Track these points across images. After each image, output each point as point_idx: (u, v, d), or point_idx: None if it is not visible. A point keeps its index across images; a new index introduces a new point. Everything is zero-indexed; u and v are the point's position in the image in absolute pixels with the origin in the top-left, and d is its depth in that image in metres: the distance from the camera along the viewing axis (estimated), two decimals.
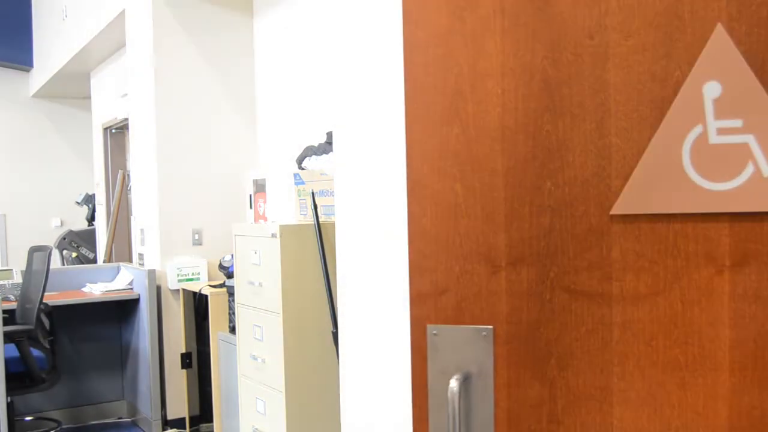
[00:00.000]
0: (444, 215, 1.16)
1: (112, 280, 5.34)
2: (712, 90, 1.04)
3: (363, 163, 2.76)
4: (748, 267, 1.04)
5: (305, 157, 4.11)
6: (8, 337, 4.17)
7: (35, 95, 8.58)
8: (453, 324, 1.16)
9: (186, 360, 4.78)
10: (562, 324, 1.12)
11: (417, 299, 1.18)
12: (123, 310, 5.30)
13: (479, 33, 1.14)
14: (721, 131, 1.04)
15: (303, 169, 4.08)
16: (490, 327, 1.15)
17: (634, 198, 1.08)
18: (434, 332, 1.17)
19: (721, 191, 1.05)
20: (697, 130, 1.05)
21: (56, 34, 7.22)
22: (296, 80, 4.55)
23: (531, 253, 1.13)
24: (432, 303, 1.17)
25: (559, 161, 1.11)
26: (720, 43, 1.03)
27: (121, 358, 5.41)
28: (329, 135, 3.88)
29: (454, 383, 1.12)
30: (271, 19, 4.77)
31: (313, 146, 4.10)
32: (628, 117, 1.08)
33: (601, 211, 1.09)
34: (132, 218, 5.72)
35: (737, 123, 1.04)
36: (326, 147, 3.98)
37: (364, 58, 2.65)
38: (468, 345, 1.16)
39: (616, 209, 1.09)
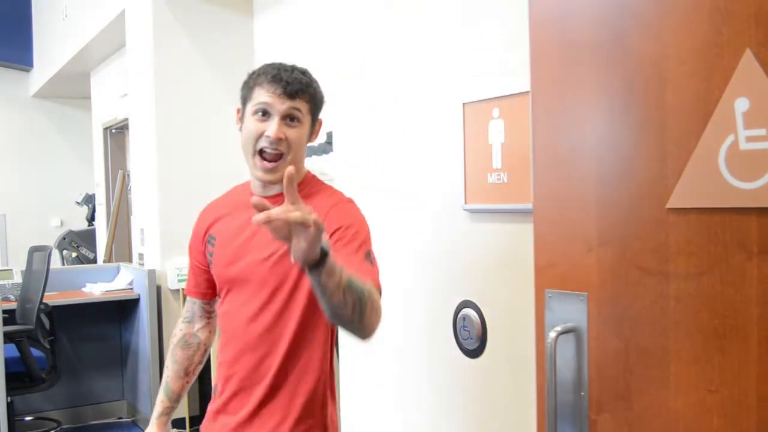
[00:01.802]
0: (556, 207, 1.52)
1: (112, 280, 5.30)
2: (741, 105, 1.24)
3: (363, 162, 2.87)
4: None
5: (305, 157, 4.07)
6: (8, 337, 4.13)
7: (35, 95, 8.48)
8: (561, 290, 1.52)
9: None
10: (634, 294, 1.40)
11: (539, 270, 1.56)
12: (123, 310, 5.24)
13: (578, 71, 1.47)
14: (749, 139, 1.24)
15: None
16: (585, 293, 1.48)
17: (683, 195, 1.32)
18: (549, 295, 1.54)
19: (750, 189, 1.24)
20: (730, 138, 1.26)
21: (56, 34, 7.15)
22: None
23: (613, 237, 1.43)
24: (548, 273, 1.54)
25: (630, 165, 1.39)
26: (749, 64, 1.23)
27: (121, 358, 5.35)
28: (329, 135, 3.81)
29: (552, 334, 1.49)
30: (271, 19, 4.69)
31: (313, 146, 4.04)
32: (679, 129, 1.32)
33: (661, 205, 1.35)
34: (132, 218, 5.67)
35: (762, 132, 1.22)
36: (326, 147, 3.93)
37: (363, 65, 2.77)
38: (570, 306, 1.50)
39: (671, 204, 1.34)
